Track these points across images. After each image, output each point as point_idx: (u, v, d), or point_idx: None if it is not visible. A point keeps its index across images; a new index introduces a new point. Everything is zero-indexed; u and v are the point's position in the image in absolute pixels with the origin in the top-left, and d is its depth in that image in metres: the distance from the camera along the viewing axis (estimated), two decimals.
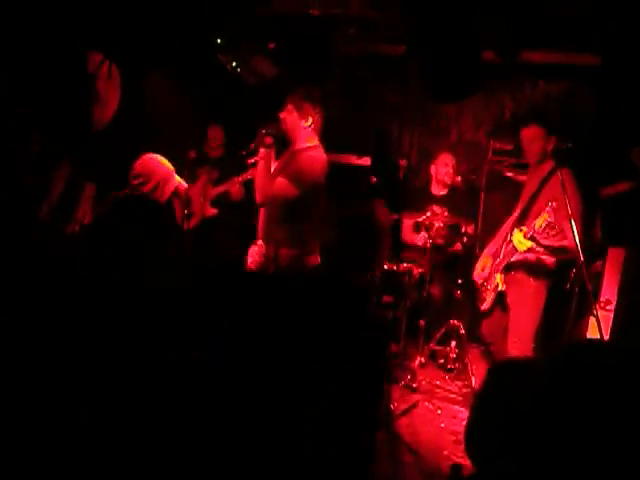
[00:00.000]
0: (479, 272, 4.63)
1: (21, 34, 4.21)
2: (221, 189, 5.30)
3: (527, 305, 4.22)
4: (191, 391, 2.00)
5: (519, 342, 4.21)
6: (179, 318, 2.23)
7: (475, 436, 1.39)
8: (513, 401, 1.31)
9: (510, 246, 4.19)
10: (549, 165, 4.21)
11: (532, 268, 4.22)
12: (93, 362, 2.01)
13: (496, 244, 4.58)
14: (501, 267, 4.37)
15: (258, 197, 3.85)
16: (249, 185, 4.76)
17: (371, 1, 4.89)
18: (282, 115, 3.88)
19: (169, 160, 5.22)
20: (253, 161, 4.04)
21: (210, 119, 5.35)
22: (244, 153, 3.83)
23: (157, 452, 1.92)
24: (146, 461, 1.91)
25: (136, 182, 3.37)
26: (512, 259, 4.25)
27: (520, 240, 4.03)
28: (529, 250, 4.07)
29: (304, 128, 3.85)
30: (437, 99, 4.49)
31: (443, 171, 5.40)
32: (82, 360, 2.01)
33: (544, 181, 4.22)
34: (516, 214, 4.42)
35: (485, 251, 4.72)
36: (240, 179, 5.08)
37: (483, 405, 1.41)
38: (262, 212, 3.99)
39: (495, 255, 4.50)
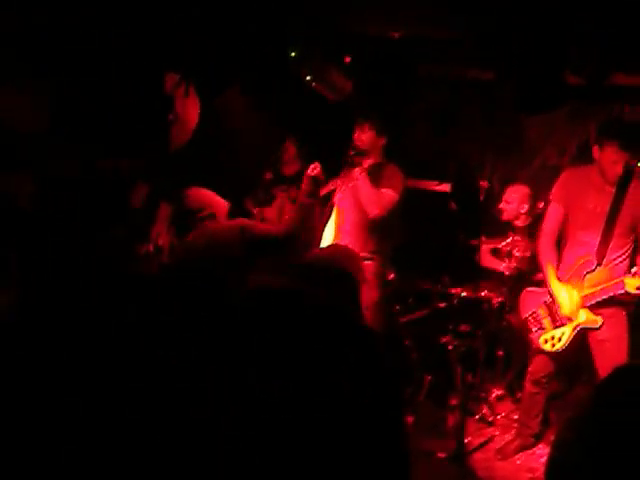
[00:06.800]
0: (571, 308, 4.03)
1: (100, 56, 4.27)
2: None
3: (624, 339, 3.94)
4: None
5: None
6: None
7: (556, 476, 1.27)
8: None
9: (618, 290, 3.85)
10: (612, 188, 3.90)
11: (623, 300, 3.94)
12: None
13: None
14: (589, 303, 3.97)
15: (376, 210, 4.18)
16: None
17: (457, 24, 4.80)
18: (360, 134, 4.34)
19: (245, 180, 5.22)
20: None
21: (285, 135, 5.30)
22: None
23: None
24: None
25: (202, 215, 3.40)
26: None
27: (637, 286, 3.76)
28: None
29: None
30: (525, 112, 4.73)
31: (514, 207, 5.03)
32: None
33: (617, 203, 3.89)
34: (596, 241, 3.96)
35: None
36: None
37: (567, 443, 1.29)
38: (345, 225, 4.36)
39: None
